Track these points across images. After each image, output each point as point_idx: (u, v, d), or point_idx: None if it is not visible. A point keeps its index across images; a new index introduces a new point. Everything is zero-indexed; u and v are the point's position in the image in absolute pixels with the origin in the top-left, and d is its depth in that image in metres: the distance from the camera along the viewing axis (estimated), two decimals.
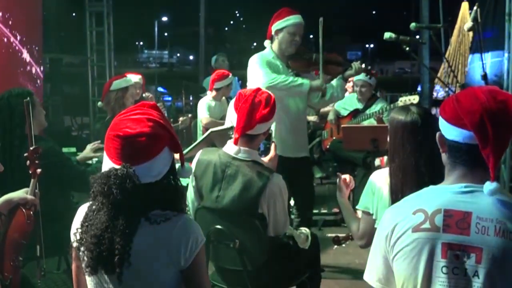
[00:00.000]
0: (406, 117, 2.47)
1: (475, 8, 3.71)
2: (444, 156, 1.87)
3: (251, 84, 4.11)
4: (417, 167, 2.39)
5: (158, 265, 1.95)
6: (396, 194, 2.40)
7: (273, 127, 4.07)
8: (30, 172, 2.83)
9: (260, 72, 4.13)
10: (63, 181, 3.49)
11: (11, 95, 3.49)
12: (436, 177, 1.97)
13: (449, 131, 1.80)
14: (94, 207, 1.97)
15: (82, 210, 2.06)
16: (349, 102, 6.60)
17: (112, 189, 1.87)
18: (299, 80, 4.17)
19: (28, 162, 2.84)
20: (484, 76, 3.87)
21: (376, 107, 6.19)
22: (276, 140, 4.12)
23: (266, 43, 4.38)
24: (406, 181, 2.40)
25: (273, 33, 4.30)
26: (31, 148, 2.87)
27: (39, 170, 2.84)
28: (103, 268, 1.92)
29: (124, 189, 1.87)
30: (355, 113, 6.43)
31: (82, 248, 1.95)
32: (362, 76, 6.39)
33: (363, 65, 4.35)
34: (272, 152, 3.29)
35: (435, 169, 2.11)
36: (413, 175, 2.40)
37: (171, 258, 1.94)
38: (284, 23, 4.25)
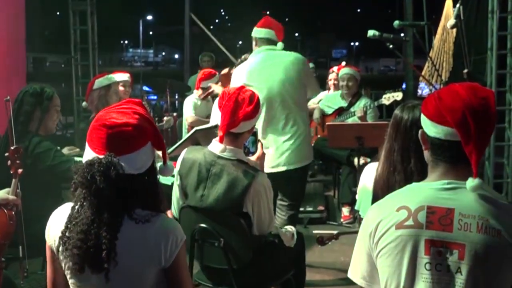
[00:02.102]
0: (403, 114, 2.44)
1: (457, 5, 3.71)
2: (426, 154, 1.88)
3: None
4: (406, 163, 2.38)
5: (140, 264, 1.94)
6: (379, 185, 2.40)
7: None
8: (12, 172, 2.81)
9: None
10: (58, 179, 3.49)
11: (27, 92, 3.51)
12: (423, 175, 1.98)
13: (431, 128, 1.81)
14: (77, 206, 1.96)
15: (58, 213, 2.05)
16: (333, 100, 6.62)
17: (96, 177, 1.85)
18: None
19: (9, 162, 2.82)
20: (468, 74, 3.88)
21: (360, 104, 6.21)
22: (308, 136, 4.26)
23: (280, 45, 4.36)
24: (391, 173, 2.39)
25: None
26: (12, 148, 2.84)
27: (20, 170, 2.82)
28: (90, 267, 1.90)
29: (107, 176, 1.85)
30: (339, 111, 6.45)
31: (69, 247, 1.92)
32: (347, 70, 6.42)
33: None
34: (259, 151, 3.28)
35: (423, 168, 2.10)
36: (399, 171, 2.40)
37: (152, 258, 1.94)
38: None
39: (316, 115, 6.64)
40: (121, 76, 5.25)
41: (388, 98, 6.01)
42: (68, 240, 1.93)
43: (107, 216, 1.90)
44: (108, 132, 1.91)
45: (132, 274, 1.95)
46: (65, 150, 4.12)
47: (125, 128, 1.91)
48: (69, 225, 1.95)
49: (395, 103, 6.05)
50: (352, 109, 6.29)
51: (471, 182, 1.72)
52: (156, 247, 1.93)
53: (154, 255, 1.94)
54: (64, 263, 1.98)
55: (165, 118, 6.25)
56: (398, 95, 5.89)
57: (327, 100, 6.73)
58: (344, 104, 6.45)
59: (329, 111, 6.58)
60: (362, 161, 5.35)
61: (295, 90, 4.15)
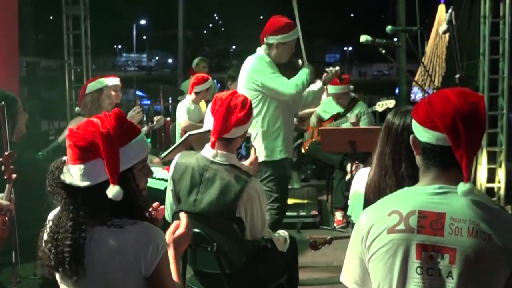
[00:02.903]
0: (395, 119, 2.44)
1: (450, 10, 3.73)
2: (418, 158, 1.89)
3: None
4: (397, 167, 2.39)
5: (120, 273, 1.93)
6: (371, 189, 2.41)
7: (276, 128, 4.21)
8: (5, 177, 2.80)
9: (279, 80, 4.22)
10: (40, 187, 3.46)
11: None
12: (414, 179, 1.99)
13: (422, 133, 1.82)
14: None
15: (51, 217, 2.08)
16: (330, 105, 6.65)
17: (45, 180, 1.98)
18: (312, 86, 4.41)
19: (3, 167, 2.81)
20: (460, 79, 3.90)
21: (356, 111, 6.26)
22: (284, 142, 4.28)
23: (261, 49, 4.36)
24: (382, 177, 2.40)
25: (271, 42, 4.28)
26: (6, 153, 2.84)
27: (14, 176, 2.81)
28: (63, 272, 1.94)
29: (48, 179, 1.97)
30: (336, 117, 6.48)
31: (45, 250, 1.97)
32: (333, 89, 6.46)
33: (337, 68, 4.54)
34: (252, 156, 3.28)
35: (414, 173, 2.10)
36: (391, 175, 2.40)
37: (131, 266, 1.92)
38: (288, 38, 4.29)
39: (313, 120, 6.70)
40: (112, 81, 5.24)
41: (381, 105, 6.07)
42: (45, 244, 1.99)
43: (70, 225, 1.93)
44: (67, 138, 1.98)
45: (112, 282, 1.94)
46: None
47: (74, 139, 1.95)
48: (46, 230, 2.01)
49: (388, 110, 6.09)
50: (348, 115, 6.32)
51: (463, 186, 1.72)
52: (135, 254, 1.91)
53: (133, 263, 1.92)
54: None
55: (155, 118, 6.24)
56: (391, 103, 5.95)
57: (324, 105, 6.77)
58: (340, 109, 6.49)
59: (326, 116, 6.61)
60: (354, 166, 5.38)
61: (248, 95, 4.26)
